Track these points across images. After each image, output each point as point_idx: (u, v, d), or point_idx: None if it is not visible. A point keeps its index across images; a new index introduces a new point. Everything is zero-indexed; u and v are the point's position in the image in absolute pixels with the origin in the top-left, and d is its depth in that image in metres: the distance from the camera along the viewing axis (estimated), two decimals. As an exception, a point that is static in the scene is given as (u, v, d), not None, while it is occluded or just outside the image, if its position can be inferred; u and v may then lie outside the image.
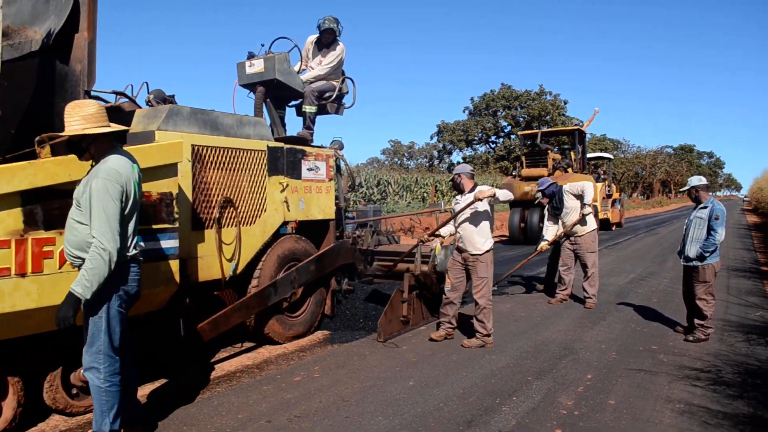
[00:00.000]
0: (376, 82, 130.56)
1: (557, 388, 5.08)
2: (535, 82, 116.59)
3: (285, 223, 5.93)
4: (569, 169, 18.37)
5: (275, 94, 6.49)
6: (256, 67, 6.05)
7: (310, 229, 6.35)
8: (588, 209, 8.06)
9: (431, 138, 62.65)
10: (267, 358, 5.92)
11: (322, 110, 6.73)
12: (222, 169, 5.09)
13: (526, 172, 18.00)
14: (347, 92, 7.00)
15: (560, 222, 8.44)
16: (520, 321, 7.60)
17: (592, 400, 4.82)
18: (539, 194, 8.60)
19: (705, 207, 6.59)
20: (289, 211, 5.81)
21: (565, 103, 53.16)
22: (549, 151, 18.23)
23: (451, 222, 6.42)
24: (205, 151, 4.95)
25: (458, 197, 6.45)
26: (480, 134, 56.19)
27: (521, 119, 52.86)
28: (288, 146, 5.81)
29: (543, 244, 8.58)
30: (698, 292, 6.62)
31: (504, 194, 6.04)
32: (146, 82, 5.55)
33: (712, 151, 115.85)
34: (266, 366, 5.70)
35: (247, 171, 5.39)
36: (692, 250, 6.60)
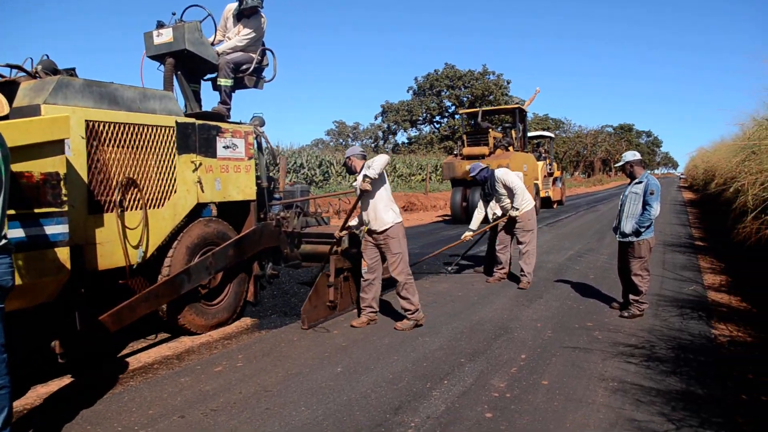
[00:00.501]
0: (319, 62, 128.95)
1: (490, 370, 4.90)
2: (479, 62, 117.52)
3: (203, 205, 5.54)
4: (510, 148, 18.36)
5: (188, 66, 6.03)
6: (164, 36, 5.57)
7: (230, 211, 5.98)
8: (515, 212, 8.00)
9: (375, 118, 62.26)
10: (189, 347, 5.56)
11: (240, 84, 6.29)
12: (123, 147, 4.65)
13: (467, 150, 17.90)
14: (267, 65, 6.58)
15: (489, 210, 8.29)
16: (456, 301, 7.43)
17: (525, 381, 4.66)
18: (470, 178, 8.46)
19: (640, 182, 6.51)
20: (203, 192, 5.41)
21: (508, 83, 53.57)
22: (490, 130, 18.16)
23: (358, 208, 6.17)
24: (102, 127, 4.50)
25: (355, 182, 6.19)
26: (424, 114, 56.13)
27: (465, 99, 53.00)
28: (201, 122, 5.40)
29: (467, 234, 8.44)
30: (633, 267, 6.56)
31: (376, 165, 5.66)
32: (46, 55, 5.04)
33: (650, 130, 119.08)
34: (187, 356, 5.35)
35: (153, 149, 4.96)
36: (628, 226, 6.53)
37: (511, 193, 7.94)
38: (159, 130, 5.00)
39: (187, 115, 5.43)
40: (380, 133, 62.92)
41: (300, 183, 7.57)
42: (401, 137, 60.78)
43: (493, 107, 29.49)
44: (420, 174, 35.32)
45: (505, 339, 5.78)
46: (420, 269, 9.42)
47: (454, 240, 10.18)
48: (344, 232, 6.24)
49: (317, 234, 6.73)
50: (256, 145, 6.23)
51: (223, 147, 5.55)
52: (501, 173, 8.10)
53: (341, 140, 69.99)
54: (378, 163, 5.67)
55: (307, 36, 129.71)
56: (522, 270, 8.18)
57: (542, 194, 22.22)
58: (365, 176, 5.64)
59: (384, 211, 5.91)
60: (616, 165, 7.09)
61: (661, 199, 6.56)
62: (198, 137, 5.33)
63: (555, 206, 24.57)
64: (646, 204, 6.36)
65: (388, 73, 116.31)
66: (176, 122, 5.12)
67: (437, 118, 57.12)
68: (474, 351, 5.40)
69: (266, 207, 6.30)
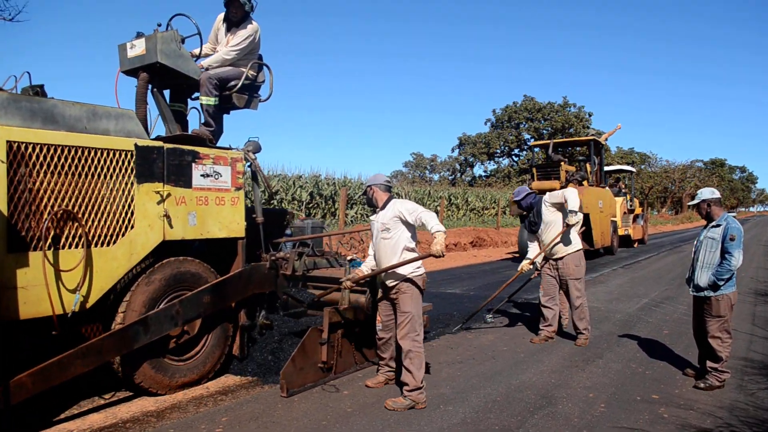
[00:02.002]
0: (397, 93, 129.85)
1: (515, 459, 3.92)
2: (559, 93, 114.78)
3: (180, 243, 4.83)
4: (584, 182, 17.07)
5: (168, 82, 5.43)
6: (137, 48, 4.92)
7: (212, 251, 5.25)
8: (575, 218, 6.63)
9: (452, 151, 61.53)
10: (176, 402, 4.85)
11: (229, 103, 5.59)
12: (60, 174, 3.98)
13: (536, 184, 16.73)
14: (263, 82, 5.88)
15: (537, 241, 7.21)
16: (497, 358, 6.42)
17: (556, 479, 3.65)
18: (516, 207, 7.40)
19: (718, 225, 5.38)
20: (171, 227, 4.67)
21: (590, 116, 51.63)
22: (562, 163, 16.96)
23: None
24: (30, 149, 3.86)
25: (374, 216, 5.17)
26: (502, 147, 54.89)
27: (544, 132, 51.43)
28: (170, 146, 4.69)
29: (524, 264, 7.25)
30: (711, 328, 5.39)
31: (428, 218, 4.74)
32: (27, 72, 4.59)
33: (745, 166, 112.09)
34: (169, 414, 4.64)
35: (102, 176, 4.26)
36: (703, 278, 5.39)
37: (562, 209, 6.81)
38: (110, 155, 4.30)
39: (156, 139, 4.78)
40: (457, 166, 62.10)
41: (313, 219, 6.78)
42: (478, 170, 59.68)
43: (565, 139, 28.08)
44: (494, 208, 34.10)
45: (545, 413, 4.75)
46: (461, 321, 8.44)
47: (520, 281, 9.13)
48: (349, 283, 5.13)
49: (326, 278, 5.90)
50: (248, 174, 5.52)
51: (201, 175, 4.84)
52: (548, 195, 6.99)
53: (418, 172, 69.63)
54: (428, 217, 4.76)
55: (386, 65, 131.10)
56: (576, 327, 6.98)
57: (621, 232, 20.63)
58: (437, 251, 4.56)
59: (399, 259, 4.90)
60: (690, 204, 5.93)
61: (748, 243, 5.38)
62: (166, 164, 4.62)
63: (635, 245, 22.80)
64: (725, 252, 5.22)
65: (466, 105, 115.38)
66: (135, 145, 4.43)
67: (515, 151, 55.73)
68: (503, 429, 4.41)
69: (262, 246, 5.54)
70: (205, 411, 4.71)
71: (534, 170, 17.52)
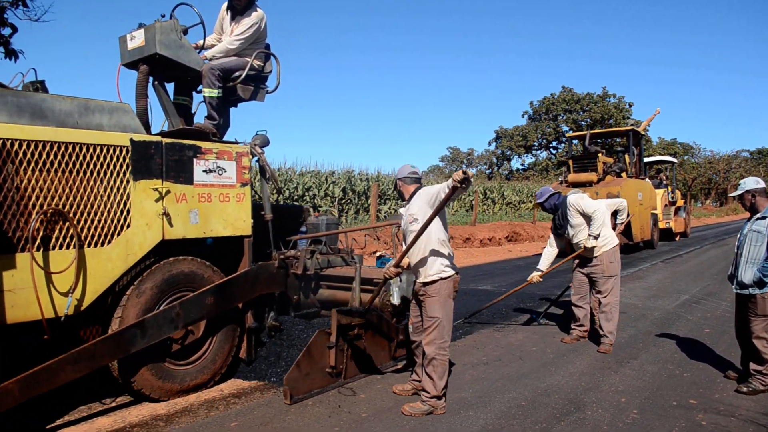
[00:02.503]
0: (433, 87, 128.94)
1: (537, 472, 3.65)
2: (598, 84, 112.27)
3: (187, 242, 4.64)
4: (623, 174, 16.51)
5: (171, 74, 5.25)
6: (136, 40, 4.74)
7: (217, 250, 5.06)
8: (591, 242, 6.33)
9: (489, 144, 60.81)
10: (187, 406, 4.71)
11: (235, 95, 5.39)
12: (49, 171, 3.81)
13: (573, 177, 16.25)
14: (270, 72, 5.66)
15: (557, 244, 6.82)
16: (525, 359, 6.11)
17: (580, 495, 3.38)
18: (539, 209, 7.02)
19: (763, 217, 4.99)
20: (171, 226, 4.47)
21: (630, 106, 50.32)
22: (599, 155, 16.41)
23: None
24: (15, 145, 3.70)
25: (402, 208, 4.87)
26: (540, 139, 53.95)
27: (583, 123, 50.33)
28: (169, 141, 4.50)
29: (534, 275, 6.87)
30: (755, 328, 5.01)
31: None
32: (33, 69, 4.49)
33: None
34: (178, 418, 4.49)
35: (95, 173, 4.08)
36: (747, 274, 5.00)
37: (588, 221, 6.45)
38: (104, 151, 4.12)
39: (157, 134, 4.60)
40: (494, 159, 61.37)
41: (328, 215, 6.54)
42: (516, 163, 58.84)
43: (603, 130, 27.32)
44: (530, 202, 33.47)
45: (572, 420, 4.45)
46: (490, 318, 8.14)
47: (550, 279, 8.80)
48: (397, 269, 4.64)
49: (340, 277, 5.68)
50: (256, 169, 5.33)
51: (204, 171, 4.64)
52: (574, 198, 6.54)
53: (455, 167, 69.12)
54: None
55: (423, 60, 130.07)
56: (601, 328, 6.50)
57: (662, 225, 19.93)
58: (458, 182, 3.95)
59: (431, 259, 4.56)
60: (733, 194, 5.52)
61: None
62: (165, 159, 4.43)
63: (677, 238, 22.03)
64: (772, 246, 4.84)
65: (503, 98, 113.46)
66: (131, 141, 4.25)
67: (553, 143, 54.72)
68: (525, 437, 4.14)
69: (272, 244, 5.34)
70: (216, 415, 4.55)
71: (570, 162, 17.02)
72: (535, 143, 54.38)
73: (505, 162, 59.60)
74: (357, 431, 4.25)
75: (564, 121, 52.56)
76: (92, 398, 4.77)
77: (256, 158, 5.22)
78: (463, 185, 3.94)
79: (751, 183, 5.12)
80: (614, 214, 7.46)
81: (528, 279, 6.91)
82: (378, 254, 12.31)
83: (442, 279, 4.56)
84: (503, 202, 32.44)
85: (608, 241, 6.45)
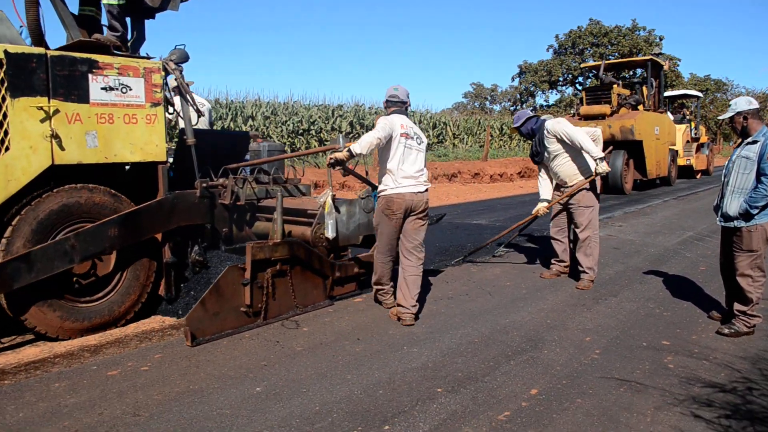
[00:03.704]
0: (456, 20, 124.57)
1: (467, 413, 3.26)
2: (628, 16, 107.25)
3: (86, 168, 4.16)
4: (639, 107, 15.62)
5: None
6: None
7: (126, 178, 4.59)
8: (603, 167, 5.61)
9: (512, 80, 59.00)
10: (121, 337, 4.36)
11: (142, 5, 4.72)
12: None
13: (585, 109, 15.40)
14: None
15: (545, 175, 6.24)
16: (495, 294, 5.69)
17: (505, 442, 2.99)
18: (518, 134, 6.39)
19: (754, 142, 4.39)
20: (63, 149, 3.95)
21: (661, 40, 47.99)
22: (614, 86, 15.51)
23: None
24: None
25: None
26: (564, 75, 52.13)
27: (611, 58, 48.36)
28: (55, 54, 3.92)
29: (540, 207, 6.25)
30: (740, 265, 4.50)
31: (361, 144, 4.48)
32: None
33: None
34: (106, 349, 4.17)
35: None
36: (733, 205, 4.46)
37: (566, 148, 5.82)
38: None
39: (58, 48, 4.04)
40: (518, 96, 59.72)
41: (271, 141, 5.99)
42: (540, 99, 57.15)
43: (619, 59, 26.00)
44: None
45: (523, 359, 4.04)
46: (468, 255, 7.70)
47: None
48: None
49: (291, 210, 5.18)
50: (172, 88, 4.76)
51: (103, 89, 4.06)
52: (552, 123, 5.92)
53: (478, 103, 67.56)
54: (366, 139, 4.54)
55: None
56: (580, 264, 5.98)
57: (682, 162, 19.08)
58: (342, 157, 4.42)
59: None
60: (722, 117, 4.87)
61: None
62: (51, 74, 3.87)
63: (698, 176, 21.13)
64: (761, 174, 4.26)
65: (528, 31, 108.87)
66: (5, 52, 3.66)
67: (579, 79, 52.82)
68: (467, 376, 3.75)
69: (196, 172, 4.81)
70: (146, 346, 4.24)
71: (583, 94, 16.15)
72: (560, 78, 52.57)
73: (529, 98, 57.94)
74: (285, 365, 3.91)
75: (590, 56, 50.54)
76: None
77: (171, 76, 4.65)
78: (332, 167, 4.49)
79: (743, 104, 4.49)
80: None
81: (533, 212, 6.35)
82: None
83: (381, 195, 4.77)
84: (520, 138, 31.54)
85: (586, 173, 5.91)
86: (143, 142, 4.32)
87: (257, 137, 5.90)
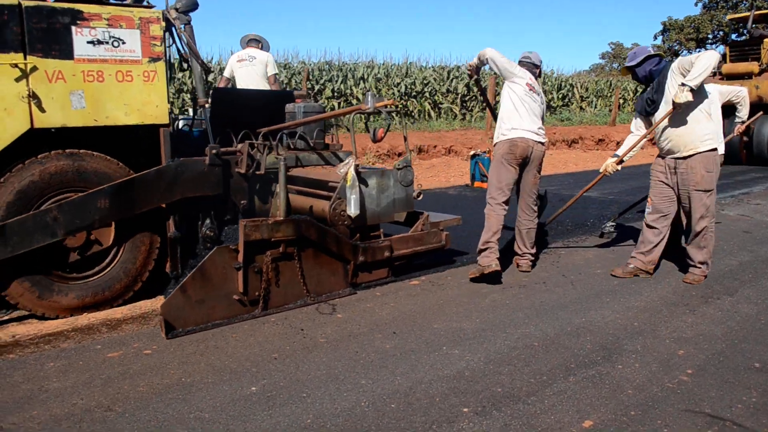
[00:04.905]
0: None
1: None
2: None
3: (80, 132, 3.71)
4: (796, 65, 13.37)
5: None
6: None
7: (123, 142, 4.05)
8: (686, 95, 4.27)
9: (655, 38, 54.43)
10: (121, 318, 4.00)
11: None
12: None
13: (728, 67, 13.41)
14: None
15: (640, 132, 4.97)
16: (578, 284, 4.79)
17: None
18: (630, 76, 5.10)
19: None
20: (43, 111, 3.49)
21: (837, -12, 41.96)
22: (766, 39, 13.37)
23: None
24: None
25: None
26: (714, 31, 47.20)
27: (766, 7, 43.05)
28: (31, 4, 3.45)
29: (609, 162, 5.04)
30: None
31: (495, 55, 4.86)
32: None
33: None
34: (99, 329, 3.83)
35: None
36: None
37: (704, 105, 4.50)
38: None
39: None
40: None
41: (308, 101, 5.24)
42: (685, 59, 52.35)
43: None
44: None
45: (589, 374, 3.22)
46: (563, 231, 6.72)
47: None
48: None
49: (307, 180, 4.48)
50: (174, 41, 4.19)
51: (90, 43, 3.55)
52: (681, 59, 4.50)
53: (616, 64, 63.30)
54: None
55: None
56: (691, 258, 4.79)
57: None
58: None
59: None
60: None
61: None
62: (27, 27, 3.40)
63: None
64: None
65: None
66: None
67: (732, 36, 47.62)
68: (507, 393, 3.00)
69: (210, 137, 4.14)
70: (149, 329, 3.86)
71: (727, 49, 14.11)
72: (709, 36, 47.64)
73: (673, 58, 53.25)
74: (297, 361, 3.36)
75: (746, 9, 45.22)
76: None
77: (170, 26, 4.05)
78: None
79: None
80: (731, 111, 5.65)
81: (601, 170, 5.12)
82: (472, 152, 11.01)
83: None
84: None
85: (709, 139, 4.59)
86: (140, 103, 3.81)
87: (304, 97, 5.29)
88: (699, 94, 4.48)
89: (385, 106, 3.95)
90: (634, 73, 4.85)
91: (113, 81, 3.71)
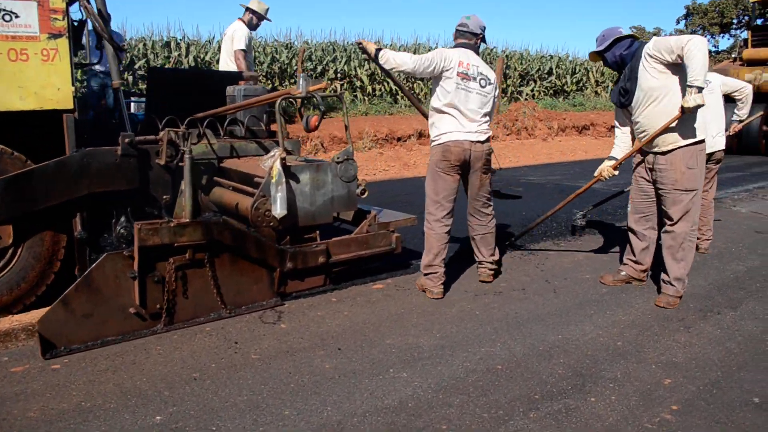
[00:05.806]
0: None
1: None
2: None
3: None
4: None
5: None
6: None
7: (20, 130, 3.54)
8: (696, 98, 3.59)
9: (677, 22, 53.05)
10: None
11: None
12: None
13: (749, 53, 12.70)
14: None
15: (626, 129, 4.31)
16: (561, 292, 4.30)
17: None
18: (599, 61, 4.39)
19: None
20: None
21: None
22: (791, 24, 12.63)
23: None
24: None
25: None
26: (740, 16, 45.82)
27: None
28: None
29: (605, 166, 4.39)
30: None
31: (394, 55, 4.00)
32: None
33: None
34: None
35: None
36: None
37: (680, 71, 3.78)
38: None
39: None
40: (683, 41, 53.74)
41: (252, 84, 4.67)
42: (709, 45, 50.96)
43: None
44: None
45: (554, 409, 2.74)
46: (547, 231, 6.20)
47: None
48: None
49: (239, 174, 3.87)
50: (82, 16, 3.71)
51: None
52: (656, 41, 3.79)
53: (636, 49, 61.86)
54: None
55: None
56: (666, 272, 4.09)
57: None
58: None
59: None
60: None
61: None
62: None
63: None
64: None
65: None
66: None
67: (758, 21, 46.21)
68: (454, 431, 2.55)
69: (126, 125, 3.68)
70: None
71: (749, 34, 13.38)
72: (734, 21, 46.28)
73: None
74: (217, 383, 2.92)
75: (775, -7, 43.84)
76: None
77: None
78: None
79: None
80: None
81: (596, 174, 4.48)
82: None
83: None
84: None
85: (693, 131, 3.89)
86: (38, 86, 3.31)
87: (254, 78, 4.78)
88: (680, 80, 3.87)
89: (321, 90, 3.44)
90: (604, 59, 4.17)
91: (5, 60, 3.23)
